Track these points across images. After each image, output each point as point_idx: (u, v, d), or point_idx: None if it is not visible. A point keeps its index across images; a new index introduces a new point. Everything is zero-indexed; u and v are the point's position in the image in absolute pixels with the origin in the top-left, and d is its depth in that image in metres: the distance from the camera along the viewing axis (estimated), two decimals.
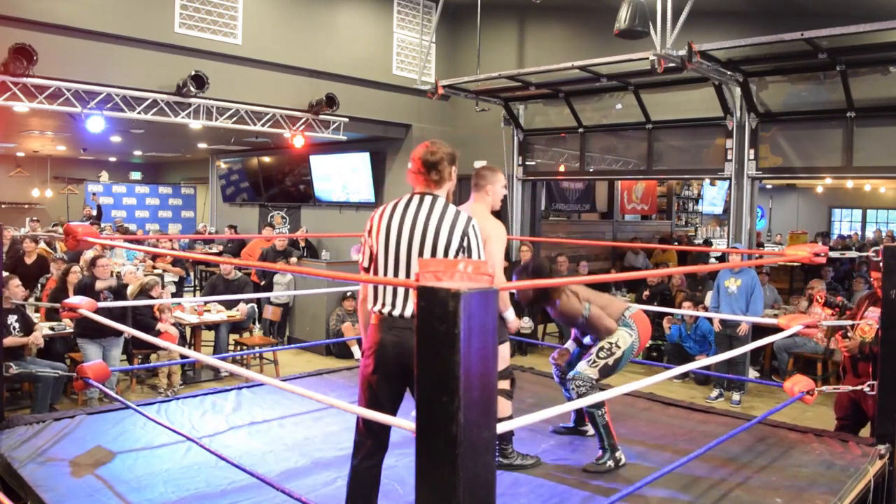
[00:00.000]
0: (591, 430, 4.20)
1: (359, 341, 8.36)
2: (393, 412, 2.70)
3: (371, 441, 2.73)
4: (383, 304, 2.74)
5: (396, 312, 2.72)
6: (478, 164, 9.88)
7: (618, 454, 3.75)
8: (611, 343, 3.83)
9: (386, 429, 2.74)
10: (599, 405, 3.71)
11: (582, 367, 3.83)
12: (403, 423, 2.33)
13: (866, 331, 4.25)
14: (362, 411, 2.64)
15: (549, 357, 4.36)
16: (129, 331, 4.38)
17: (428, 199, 2.78)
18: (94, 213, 13.27)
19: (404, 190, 2.97)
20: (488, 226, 3.45)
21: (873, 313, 4.27)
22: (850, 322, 4.50)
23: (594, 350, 3.86)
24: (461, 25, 9.82)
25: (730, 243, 7.76)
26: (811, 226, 17.27)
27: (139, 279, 7.35)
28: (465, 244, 2.76)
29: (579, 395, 3.75)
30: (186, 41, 7.42)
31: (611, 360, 3.80)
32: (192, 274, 10.17)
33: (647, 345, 4.24)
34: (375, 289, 2.78)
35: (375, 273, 2.82)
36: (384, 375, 2.70)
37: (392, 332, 2.69)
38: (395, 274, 2.76)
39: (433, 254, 2.71)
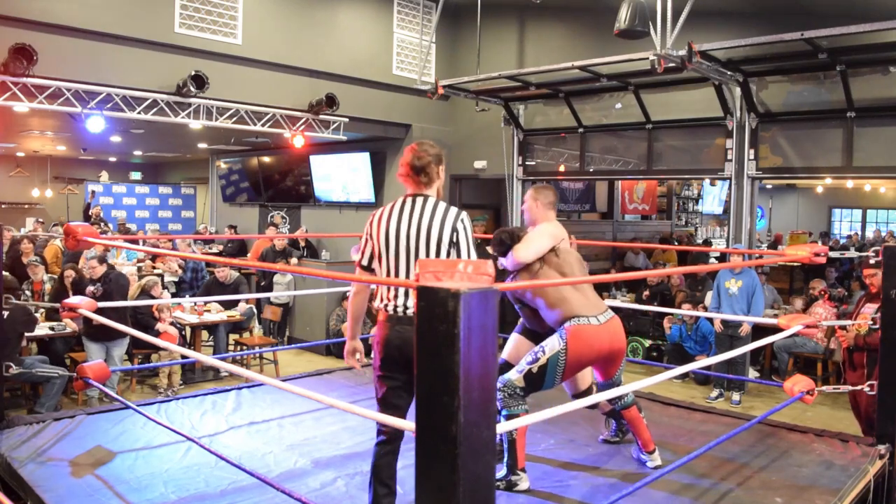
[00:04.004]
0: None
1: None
2: (410, 397, 2.86)
3: (388, 428, 2.86)
4: (387, 303, 2.90)
5: (400, 310, 2.88)
6: (478, 164, 9.92)
7: (515, 478, 3.46)
8: (540, 347, 3.57)
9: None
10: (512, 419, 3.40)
11: (511, 372, 3.60)
12: (403, 423, 2.33)
13: (861, 325, 4.65)
14: (361, 410, 2.66)
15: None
16: (130, 331, 4.38)
17: (419, 199, 2.95)
18: (101, 213, 13.27)
19: (404, 190, 3.02)
20: None
21: (868, 309, 4.69)
22: (848, 322, 4.85)
23: (526, 355, 3.64)
24: (461, 25, 9.82)
25: (730, 243, 7.75)
26: (811, 226, 17.26)
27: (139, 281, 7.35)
28: (454, 239, 2.91)
29: (501, 406, 3.50)
30: (186, 41, 7.41)
31: (535, 367, 3.51)
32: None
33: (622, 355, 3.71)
34: (378, 286, 2.96)
35: (378, 273, 3.00)
36: (394, 368, 2.86)
37: (395, 328, 2.85)
38: (397, 274, 2.95)
39: (427, 252, 2.89)
